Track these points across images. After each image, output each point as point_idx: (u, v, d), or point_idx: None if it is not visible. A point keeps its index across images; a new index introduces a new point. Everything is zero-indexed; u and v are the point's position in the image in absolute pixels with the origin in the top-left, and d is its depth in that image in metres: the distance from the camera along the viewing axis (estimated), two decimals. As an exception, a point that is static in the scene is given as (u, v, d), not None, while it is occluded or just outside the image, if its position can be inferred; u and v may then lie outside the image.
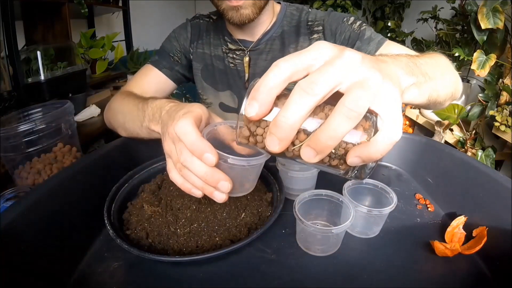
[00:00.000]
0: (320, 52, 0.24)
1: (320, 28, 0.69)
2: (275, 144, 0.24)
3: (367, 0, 2.29)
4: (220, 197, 0.34)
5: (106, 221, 0.40)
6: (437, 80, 0.44)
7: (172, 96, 2.08)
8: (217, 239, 0.40)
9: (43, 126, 0.64)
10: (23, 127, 0.61)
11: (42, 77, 1.22)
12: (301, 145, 0.25)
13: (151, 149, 0.58)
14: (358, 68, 0.23)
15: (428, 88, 0.42)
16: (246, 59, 0.72)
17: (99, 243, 0.43)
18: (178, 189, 0.47)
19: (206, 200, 0.45)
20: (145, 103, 0.49)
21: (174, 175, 0.35)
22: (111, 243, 0.41)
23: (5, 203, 0.50)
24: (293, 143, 0.25)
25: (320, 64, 0.23)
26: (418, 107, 0.49)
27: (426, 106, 0.50)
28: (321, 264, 0.39)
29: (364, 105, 0.22)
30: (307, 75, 0.23)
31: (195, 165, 0.32)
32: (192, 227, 0.41)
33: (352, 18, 0.67)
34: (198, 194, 0.35)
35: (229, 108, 0.79)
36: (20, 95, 1.13)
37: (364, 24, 0.67)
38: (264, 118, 0.25)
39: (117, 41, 1.85)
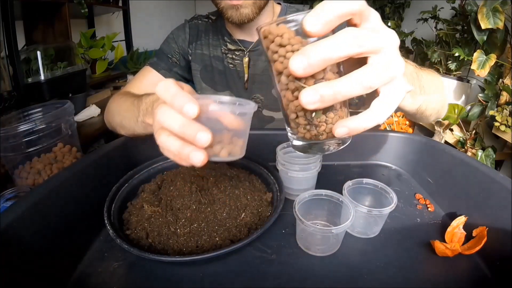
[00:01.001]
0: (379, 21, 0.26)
1: None
2: (301, 64, 0.23)
3: (367, 0, 2.28)
4: (197, 157, 0.28)
5: (106, 221, 0.40)
6: (430, 95, 0.46)
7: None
8: (217, 239, 0.40)
9: (43, 126, 0.64)
10: (23, 127, 0.61)
11: (42, 77, 1.22)
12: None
13: (151, 149, 0.58)
14: (394, 51, 0.25)
15: (420, 100, 0.44)
16: (246, 59, 0.72)
17: (99, 243, 0.43)
18: (178, 189, 0.47)
19: (206, 200, 0.45)
20: (139, 99, 0.49)
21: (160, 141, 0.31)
22: (111, 243, 0.42)
23: (5, 203, 0.50)
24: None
25: (372, 28, 0.25)
26: (406, 114, 0.51)
27: (413, 116, 0.52)
28: (321, 264, 0.39)
29: (378, 82, 0.25)
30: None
31: (172, 119, 0.28)
32: (192, 227, 0.41)
33: None
34: (177, 159, 0.30)
35: None
36: (20, 95, 1.13)
37: None
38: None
39: (117, 41, 1.85)
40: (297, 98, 0.26)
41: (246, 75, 0.74)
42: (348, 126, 0.26)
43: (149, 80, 0.75)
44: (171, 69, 0.76)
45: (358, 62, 0.25)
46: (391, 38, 0.25)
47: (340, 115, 0.28)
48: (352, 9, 0.24)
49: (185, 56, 0.77)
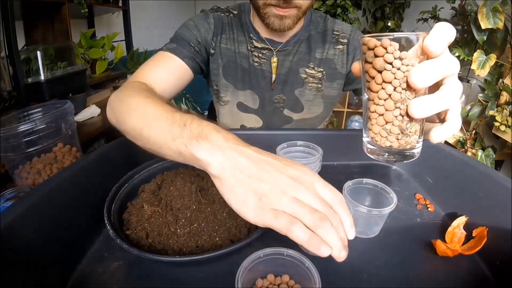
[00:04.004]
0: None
1: (345, 41, 0.73)
2: (421, 78, 0.28)
3: (367, 0, 2.28)
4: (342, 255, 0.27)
5: (106, 221, 0.40)
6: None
7: (172, 96, 2.08)
8: (217, 239, 0.40)
9: (43, 126, 0.64)
10: (23, 127, 0.61)
11: (42, 77, 1.22)
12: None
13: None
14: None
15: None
16: (275, 59, 0.71)
17: (99, 243, 0.43)
18: (178, 189, 0.47)
19: (206, 200, 0.45)
20: (187, 116, 0.37)
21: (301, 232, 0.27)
22: (111, 243, 0.42)
23: (5, 203, 0.50)
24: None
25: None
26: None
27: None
28: (320, 264, 0.39)
29: (458, 97, 0.31)
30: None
31: (330, 233, 0.27)
32: (192, 227, 0.41)
33: None
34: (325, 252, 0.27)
35: (248, 109, 0.76)
36: (20, 95, 1.13)
37: None
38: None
39: (117, 41, 1.85)
40: (397, 108, 0.30)
41: (274, 76, 0.73)
42: (443, 135, 0.31)
43: (171, 68, 0.64)
44: (194, 58, 0.68)
45: None
46: (458, 64, 0.31)
47: (421, 127, 0.32)
48: (453, 36, 0.28)
49: (207, 47, 0.71)
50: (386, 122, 0.31)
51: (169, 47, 0.66)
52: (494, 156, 1.40)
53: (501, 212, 0.40)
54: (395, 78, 0.29)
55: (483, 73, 1.36)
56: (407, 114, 0.30)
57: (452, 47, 1.60)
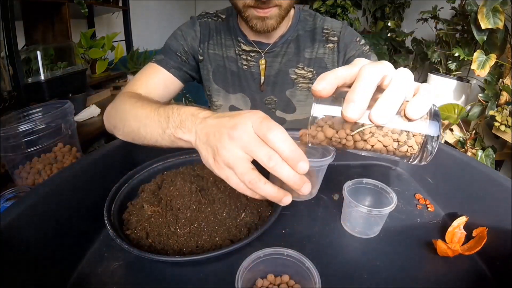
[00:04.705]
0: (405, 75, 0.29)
1: (336, 38, 0.72)
2: (355, 111, 0.27)
3: (367, 0, 2.28)
4: (287, 200, 0.35)
5: (106, 221, 0.40)
6: None
7: (172, 96, 2.08)
8: (217, 239, 0.40)
9: (43, 126, 0.64)
10: (23, 127, 0.61)
11: (42, 77, 1.22)
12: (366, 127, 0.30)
13: (151, 150, 0.58)
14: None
15: None
16: (263, 61, 0.71)
17: (99, 243, 0.43)
18: (178, 189, 0.47)
19: (206, 200, 0.45)
20: (168, 108, 0.45)
21: (239, 185, 0.34)
22: (111, 243, 0.41)
23: (5, 203, 0.50)
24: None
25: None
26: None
27: None
28: (320, 264, 0.39)
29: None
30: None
31: (285, 171, 0.32)
32: (192, 227, 0.41)
33: (363, 40, 0.72)
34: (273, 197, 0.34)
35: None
36: (20, 95, 1.13)
37: (370, 49, 0.72)
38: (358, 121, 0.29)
39: (117, 41, 1.85)
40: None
41: (262, 78, 0.73)
42: (417, 106, 0.29)
43: (158, 79, 0.69)
44: (181, 68, 0.72)
45: None
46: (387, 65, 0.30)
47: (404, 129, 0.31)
48: (376, 80, 0.27)
49: (194, 55, 0.74)
50: (394, 141, 0.30)
51: (157, 58, 0.71)
52: (494, 156, 1.40)
53: (501, 212, 0.40)
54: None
55: (483, 73, 1.36)
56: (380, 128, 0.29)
57: (452, 47, 1.61)
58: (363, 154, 0.32)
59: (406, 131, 0.29)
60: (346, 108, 0.27)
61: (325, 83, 0.29)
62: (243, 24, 0.70)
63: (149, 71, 0.70)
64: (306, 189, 0.33)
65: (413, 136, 0.29)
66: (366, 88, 0.27)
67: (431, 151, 0.30)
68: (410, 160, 0.31)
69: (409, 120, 0.28)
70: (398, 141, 0.29)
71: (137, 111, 0.51)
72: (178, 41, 0.72)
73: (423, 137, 0.29)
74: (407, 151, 0.30)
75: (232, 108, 0.77)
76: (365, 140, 0.30)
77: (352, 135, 0.30)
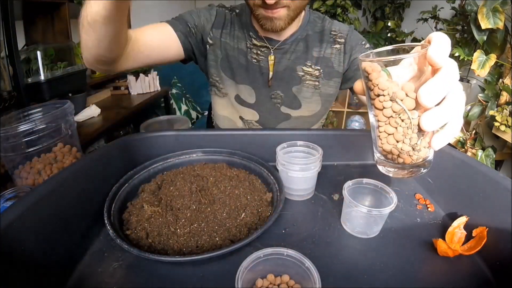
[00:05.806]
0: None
1: (343, 40, 0.74)
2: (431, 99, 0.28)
3: (367, 0, 2.28)
4: None
5: (106, 221, 0.40)
6: None
7: (172, 96, 2.08)
8: (217, 239, 0.40)
9: (43, 126, 0.64)
10: (23, 127, 0.61)
11: (42, 77, 1.22)
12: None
13: (151, 149, 0.58)
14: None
15: None
16: (272, 57, 0.73)
17: (99, 243, 0.43)
18: (178, 189, 0.47)
19: (206, 200, 0.45)
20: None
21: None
22: (111, 243, 0.42)
23: (5, 203, 0.50)
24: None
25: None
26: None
27: None
28: (321, 264, 0.39)
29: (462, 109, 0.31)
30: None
31: None
32: (192, 227, 0.41)
33: (368, 44, 0.75)
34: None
35: (245, 103, 0.79)
36: (20, 95, 1.13)
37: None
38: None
39: (117, 41, 1.85)
40: (405, 125, 0.30)
41: (271, 73, 0.74)
42: (444, 140, 0.31)
43: (160, 33, 0.69)
44: (187, 37, 0.72)
45: None
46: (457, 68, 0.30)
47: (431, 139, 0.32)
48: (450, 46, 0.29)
49: (203, 35, 0.74)
50: (397, 141, 0.31)
51: (168, 20, 0.71)
52: (494, 156, 1.40)
53: (501, 212, 0.40)
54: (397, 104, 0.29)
55: (483, 73, 1.36)
56: (418, 130, 0.30)
57: (452, 47, 1.60)
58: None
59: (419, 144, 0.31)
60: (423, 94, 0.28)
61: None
62: (255, 20, 0.72)
63: (155, 25, 0.70)
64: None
65: (421, 149, 0.31)
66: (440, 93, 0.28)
67: (421, 172, 0.33)
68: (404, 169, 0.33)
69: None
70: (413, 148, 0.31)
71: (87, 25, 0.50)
72: (192, 16, 0.73)
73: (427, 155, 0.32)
74: (411, 156, 0.31)
75: (238, 98, 0.79)
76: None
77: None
